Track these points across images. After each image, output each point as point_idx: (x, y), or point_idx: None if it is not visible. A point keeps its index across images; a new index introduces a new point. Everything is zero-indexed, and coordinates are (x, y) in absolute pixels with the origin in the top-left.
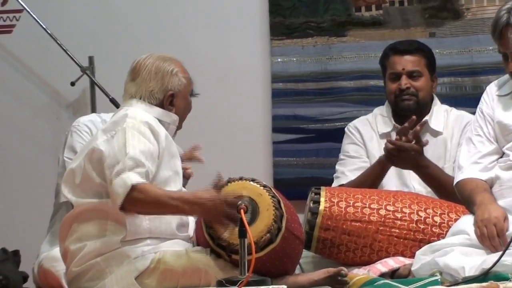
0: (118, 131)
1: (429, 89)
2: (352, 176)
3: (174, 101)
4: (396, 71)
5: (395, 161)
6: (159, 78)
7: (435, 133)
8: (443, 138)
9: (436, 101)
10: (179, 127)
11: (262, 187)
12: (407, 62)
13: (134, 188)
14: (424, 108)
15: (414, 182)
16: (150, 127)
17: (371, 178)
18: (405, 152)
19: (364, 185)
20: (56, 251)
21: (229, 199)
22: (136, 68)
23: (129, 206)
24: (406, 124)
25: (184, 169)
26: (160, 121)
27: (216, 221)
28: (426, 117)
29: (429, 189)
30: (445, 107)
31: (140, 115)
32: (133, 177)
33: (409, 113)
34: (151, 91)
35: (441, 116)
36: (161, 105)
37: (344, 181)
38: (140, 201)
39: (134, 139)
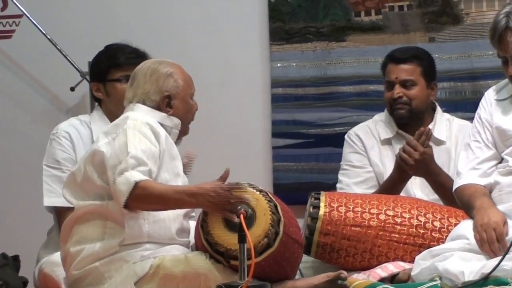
0: (119, 132)
1: (424, 98)
2: (357, 189)
3: (172, 103)
4: (390, 79)
5: (409, 166)
6: (153, 80)
7: (438, 142)
8: (446, 148)
9: (438, 109)
10: (184, 131)
11: (258, 192)
12: (401, 71)
13: (137, 185)
14: (419, 116)
15: (416, 190)
16: (151, 128)
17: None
18: (419, 155)
19: None
20: (56, 256)
21: (233, 189)
22: (134, 73)
23: (133, 203)
24: (413, 137)
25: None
26: (162, 125)
27: (217, 211)
28: (430, 126)
29: (431, 197)
30: (447, 116)
31: (141, 117)
32: (136, 175)
33: (402, 121)
34: (147, 93)
35: (443, 125)
36: (158, 107)
37: None
38: (144, 197)
39: (136, 139)
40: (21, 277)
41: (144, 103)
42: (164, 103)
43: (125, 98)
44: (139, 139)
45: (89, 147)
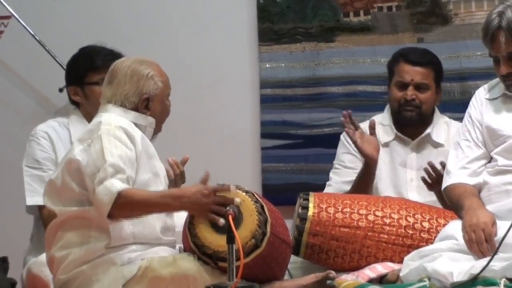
0: (94, 139)
1: (432, 103)
2: (346, 187)
3: (150, 105)
4: (404, 80)
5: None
6: (134, 82)
7: (436, 145)
8: (444, 150)
9: (437, 112)
10: (158, 130)
11: (244, 193)
12: (417, 73)
13: (120, 194)
14: (425, 120)
15: (412, 193)
16: (126, 131)
17: (361, 186)
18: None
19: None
20: (44, 256)
21: (218, 190)
22: (113, 71)
23: (117, 212)
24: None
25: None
26: (136, 124)
27: (203, 214)
28: (428, 129)
29: (428, 199)
30: (445, 118)
31: (115, 121)
32: (117, 184)
33: (410, 123)
34: (126, 94)
35: (442, 128)
36: (136, 108)
37: (335, 191)
38: (128, 206)
39: (111, 145)
40: (9, 279)
41: (122, 105)
42: (142, 105)
43: (102, 95)
44: (115, 144)
45: (68, 149)
